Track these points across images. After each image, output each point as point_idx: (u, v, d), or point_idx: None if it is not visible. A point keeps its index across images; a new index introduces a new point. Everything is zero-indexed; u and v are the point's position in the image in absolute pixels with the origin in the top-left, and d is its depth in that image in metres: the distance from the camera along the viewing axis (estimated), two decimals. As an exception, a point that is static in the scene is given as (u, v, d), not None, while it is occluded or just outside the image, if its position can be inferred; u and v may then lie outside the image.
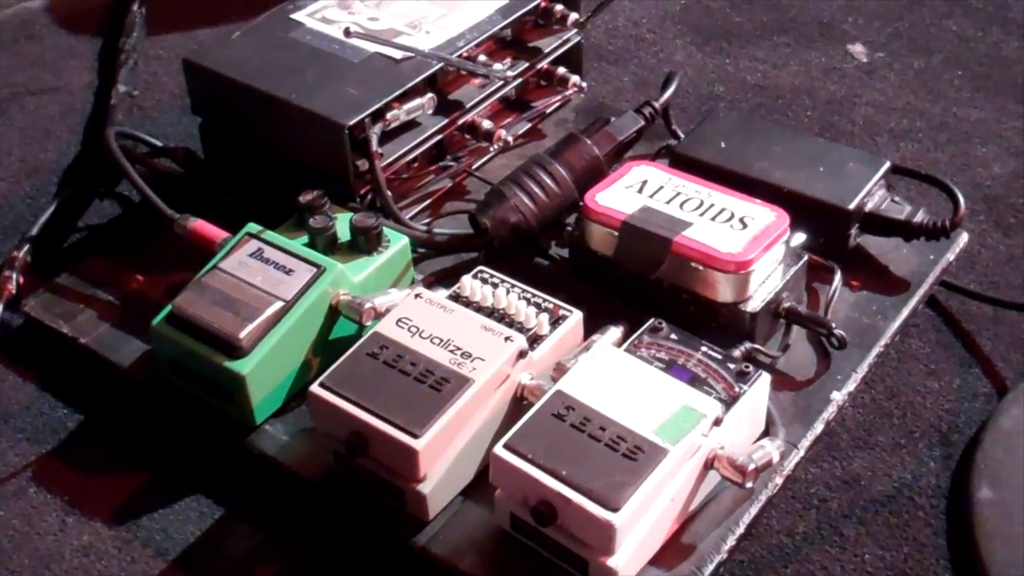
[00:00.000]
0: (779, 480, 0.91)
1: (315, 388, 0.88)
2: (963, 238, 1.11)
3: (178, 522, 0.93)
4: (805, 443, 0.94)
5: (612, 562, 0.81)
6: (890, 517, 0.93)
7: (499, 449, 0.83)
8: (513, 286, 0.97)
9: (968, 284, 1.13)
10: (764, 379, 0.90)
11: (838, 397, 0.97)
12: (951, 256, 1.10)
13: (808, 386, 0.98)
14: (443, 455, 0.87)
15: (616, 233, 0.99)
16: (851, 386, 0.98)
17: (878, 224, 1.07)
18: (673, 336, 0.92)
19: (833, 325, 0.98)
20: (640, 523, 0.81)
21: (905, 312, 1.04)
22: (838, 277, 1.03)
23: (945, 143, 1.32)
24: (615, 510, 0.79)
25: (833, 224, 1.05)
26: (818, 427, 0.95)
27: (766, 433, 0.93)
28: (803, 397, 0.97)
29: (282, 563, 0.90)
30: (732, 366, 0.90)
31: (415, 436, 0.84)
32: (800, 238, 1.02)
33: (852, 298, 1.05)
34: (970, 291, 1.13)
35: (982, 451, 0.96)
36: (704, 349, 0.91)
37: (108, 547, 0.91)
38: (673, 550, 0.86)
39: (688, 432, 0.83)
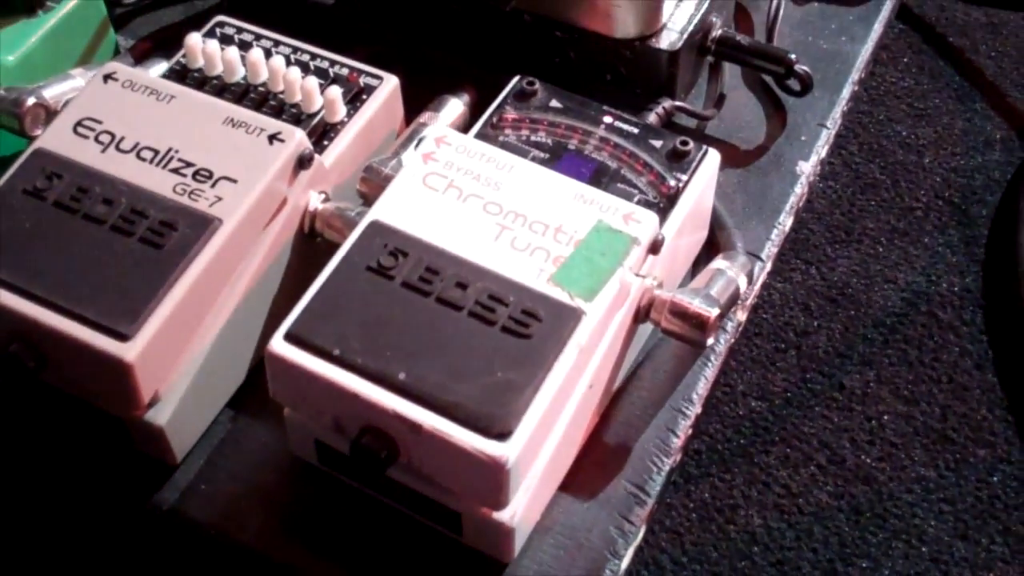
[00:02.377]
0: (742, 316, 0.57)
1: (-71, 266, 0.49)
2: (937, -88, 0.76)
3: None
4: (772, 249, 0.60)
5: (503, 515, 0.46)
6: (908, 349, 0.60)
7: (277, 344, 0.46)
8: (277, 44, 0.58)
9: (946, -20, 0.79)
10: (713, 159, 0.55)
11: (807, 169, 0.63)
12: (924, -60, 0.75)
13: (760, 157, 0.64)
14: (183, 359, 0.49)
15: (439, -61, 0.60)
16: (822, 150, 0.64)
17: (828, -102, 0.71)
18: (555, 102, 0.55)
19: (794, 58, 0.62)
20: (544, 446, 0.46)
21: (878, 28, 0.70)
22: (779, -16, 0.67)
23: None
24: (503, 435, 0.43)
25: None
26: (786, 221, 0.61)
27: (711, 243, 0.58)
28: (755, 175, 0.63)
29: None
30: (658, 143, 0.54)
31: (122, 337, 0.47)
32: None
33: (798, 15, 0.71)
34: (953, -11, 0.78)
35: (1027, 229, 0.63)
36: (608, 119, 0.55)
37: None
38: (595, 463, 0.52)
39: (610, 272, 0.47)
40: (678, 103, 0.62)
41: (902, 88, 0.73)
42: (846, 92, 0.67)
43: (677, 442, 0.53)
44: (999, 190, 0.67)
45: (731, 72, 0.66)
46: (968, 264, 0.64)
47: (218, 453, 0.53)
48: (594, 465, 0.52)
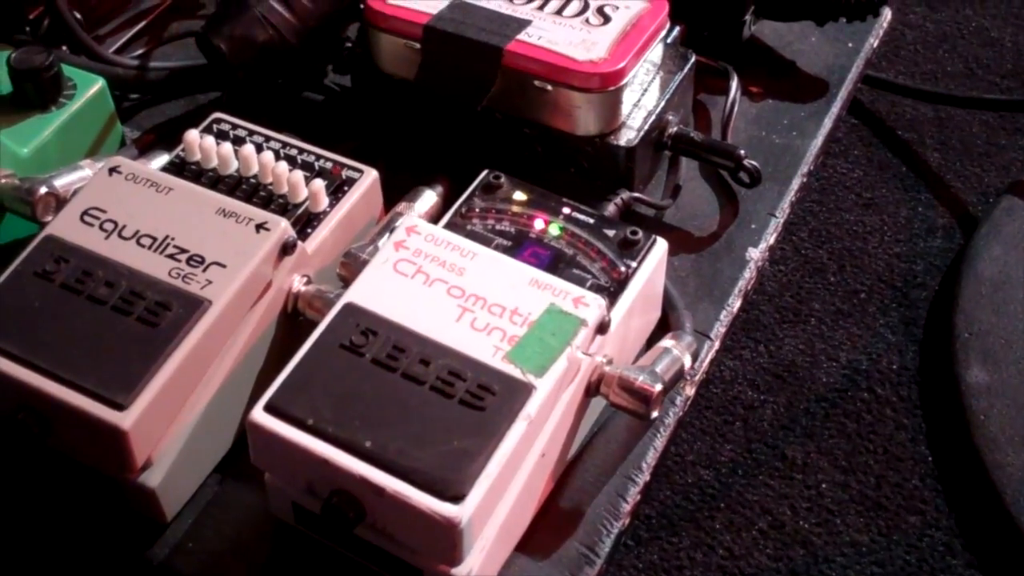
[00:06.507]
0: (690, 392, 0.62)
1: (-52, 340, 0.54)
2: (887, 15, 0.82)
3: None
4: (720, 329, 0.65)
5: (460, 572, 0.51)
6: (847, 422, 0.65)
7: (257, 414, 0.51)
8: (268, 139, 0.64)
9: (896, 78, 0.84)
10: (660, 248, 0.60)
11: (756, 255, 0.68)
12: (874, 41, 0.81)
13: (713, 244, 0.69)
14: (174, 427, 0.54)
15: (418, 45, 0.66)
16: (770, 237, 0.69)
17: (782, 3, 0.76)
18: (519, 195, 0.61)
19: (743, 153, 0.68)
20: (498, 507, 0.51)
21: (827, 124, 0.76)
22: (735, 84, 0.73)
23: None
24: (457, 498, 0.48)
25: (719, 7, 0.74)
26: (734, 303, 0.66)
27: (664, 322, 0.63)
28: (708, 260, 0.68)
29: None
30: (611, 232, 0.59)
31: (119, 407, 0.52)
32: (674, 32, 0.71)
33: (754, 111, 0.76)
34: (902, 86, 0.84)
35: (961, 312, 0.68)
36: (567, 211, 0.60)
37: None
38: (550, 525, 0.57)
39: (559, 351, 0.52)
40: (635, 194, 0.67)
41: (852, 178, 0.78)
42: (795, 184, 0.72)
43: (626, 507, 0.58)
44: (939, 275, 0.72)
45: (689, 165, 0.72)
46: (907, 344, 0.68)
47: (205, 514, 0.57)
48: (549, 527, 0.56)
